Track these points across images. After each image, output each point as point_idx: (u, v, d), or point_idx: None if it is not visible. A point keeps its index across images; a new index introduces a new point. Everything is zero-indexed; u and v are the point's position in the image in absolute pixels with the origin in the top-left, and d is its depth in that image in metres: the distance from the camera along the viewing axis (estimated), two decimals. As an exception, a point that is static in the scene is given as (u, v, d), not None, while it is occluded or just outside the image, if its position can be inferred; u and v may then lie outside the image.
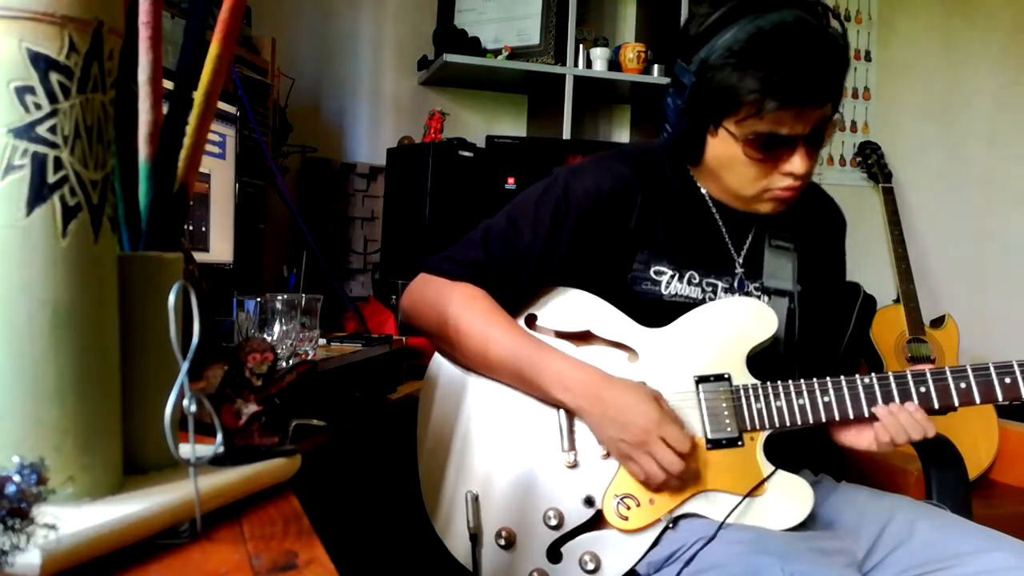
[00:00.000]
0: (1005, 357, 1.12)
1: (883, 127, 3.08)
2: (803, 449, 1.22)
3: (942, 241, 3.07)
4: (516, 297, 1.19)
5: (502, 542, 1.10)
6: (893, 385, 1.11)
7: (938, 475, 1.30)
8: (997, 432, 2.50)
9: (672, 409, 1.11)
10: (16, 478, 0.42)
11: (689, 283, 1.20)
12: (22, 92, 0.48)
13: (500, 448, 1.15)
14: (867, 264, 2.85)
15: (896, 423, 1.09)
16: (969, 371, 1.10)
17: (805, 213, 1.29)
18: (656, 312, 1.18)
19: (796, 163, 1.11)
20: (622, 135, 2.95)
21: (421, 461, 1.17)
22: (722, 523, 1.06)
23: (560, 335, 1.19)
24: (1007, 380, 1.09)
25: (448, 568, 1.13)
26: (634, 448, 1.07)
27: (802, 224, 1.29)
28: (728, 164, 1.14)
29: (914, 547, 1.09)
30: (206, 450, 0.57)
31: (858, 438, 1.15)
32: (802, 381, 1.13)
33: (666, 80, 1.22)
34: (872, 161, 2.94)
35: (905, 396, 1.11)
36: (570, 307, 1.20)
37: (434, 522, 1.14)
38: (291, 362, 1.24)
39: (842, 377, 1.13)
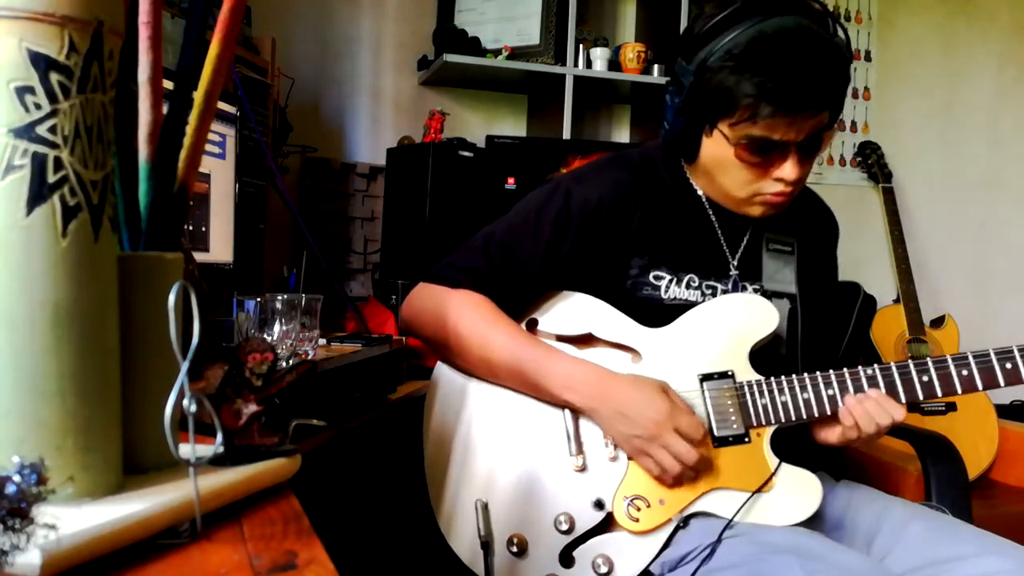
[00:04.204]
0: (1005, 357, 1.12)
1: (883, 127, 3.08)
2: (801, 447, 1.22)
3: (942, 241, 3.07)
4: (517, 304, 1.19)
5: (514, 549, 1.10)
6: (896, 374, 1.11)
7: (937, 475, 1.29)
8: (997, 432, 2.49)
9: (681, 398, 1.11)
10: (16, 478, 0.42)
11: (688, 287, 1.20)
12: (22, 92, 0.48)
13: (508, 454, 1.14)
14: (867, 264, 2.85)
15: (863, 411, 1.09)
16: (970, 358, 1.10)
17: (801, 217, 1.30)
18: (656, 315, 1.18)
19: (787, 169, 1.11)
20: (622, 135, 2.95)
21: (428, 467, 1.16)
22: (729, 521, 1.06)
23: (562, 339, 1.19)
24: (1008, 365, 1.10)
25: (448, 569, 1.13)
26: (648, 442, 1.08)
27: (799, 228, 1.30)
28: (721, 165, 1.15)
29: (909, 550, 1.08)
30: (206, 450, 0.57)
31: (830, 433, 1.15)
32: (805, 375, 1.13)
33: (666, 80, 1.22)
34: (872, 161, 2.94)
35: (908, 385, 1.11)
36: (571, 310, 1.20)
37: (443, 528, 1.13)
38: (291, 362, 1.24)
39: (845, 369, 1.13)
